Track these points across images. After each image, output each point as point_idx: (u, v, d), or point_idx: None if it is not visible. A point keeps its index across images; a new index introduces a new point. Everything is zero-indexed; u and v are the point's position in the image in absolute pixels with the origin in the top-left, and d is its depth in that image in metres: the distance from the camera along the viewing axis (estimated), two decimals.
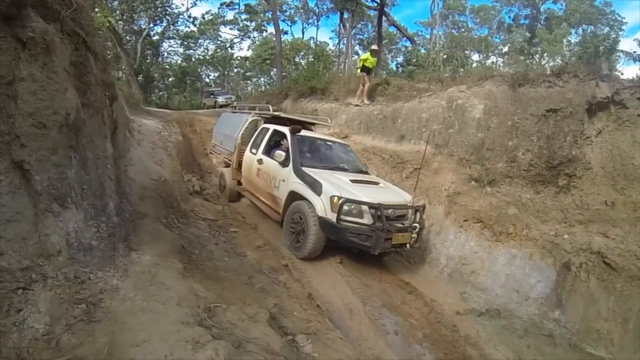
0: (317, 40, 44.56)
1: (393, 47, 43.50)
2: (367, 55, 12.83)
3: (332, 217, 6.12)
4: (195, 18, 39.02)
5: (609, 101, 7.60)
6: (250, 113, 9.86)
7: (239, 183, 9.47)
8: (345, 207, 6.11)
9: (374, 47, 13.97)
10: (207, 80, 47.47)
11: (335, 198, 6.16)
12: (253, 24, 41.82)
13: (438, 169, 8.70)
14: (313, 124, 10.48)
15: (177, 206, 5.92)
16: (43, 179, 2.70)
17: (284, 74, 30.71)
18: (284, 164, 7.34)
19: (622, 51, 24.47)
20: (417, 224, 7.01)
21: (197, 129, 15.17)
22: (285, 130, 8.11)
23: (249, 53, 45.57)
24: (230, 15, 41.55)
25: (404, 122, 10.99)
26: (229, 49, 45.19)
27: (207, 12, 40.72)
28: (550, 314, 6.27)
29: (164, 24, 34.87)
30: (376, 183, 7.67)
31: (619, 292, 6.02)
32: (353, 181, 7.01)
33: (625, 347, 5.76)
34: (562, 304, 6.35)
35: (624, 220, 6.90)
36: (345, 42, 38.70)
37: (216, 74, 48.76)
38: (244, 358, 2.72)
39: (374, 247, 6.27)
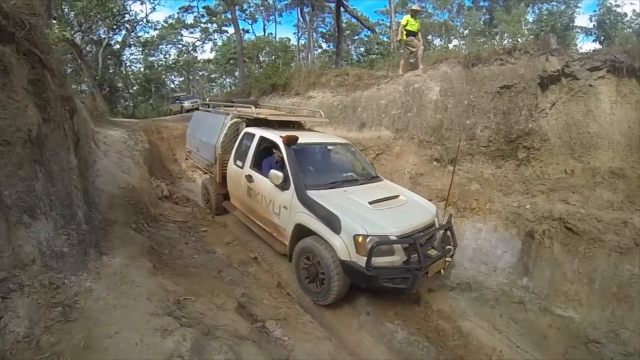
0: (276, 36, 44.45)
1: (356, 37, 43.57)
2: (407, 18, 11.54)
3: (358, 259, 4.95)
4: (157, 22, 38.83)
5: (560, 74, 7.94)
6: (228, 114, 8.33)
7: (225, 197, 8.30)
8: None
9: (415, 6, 12.65)
10: (172, 85, 47.24)
11: (360, 237, 4.94)
12: (214, 25, 41.57)
13: (400, 153, 8.82)
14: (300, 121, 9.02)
15: (147, 211, 5.94)
16: (12, 193, 2.80)
17: (248, 73, 30.55)
18: (283, 186, 6.09)
19: (579, 27, 24.82)
20: (451, 247, 5.96)
21: (164, 136, 14.97)
22: (277, 139, 6.70)
23: (212, 55, 45.27)
24: (190, 18, 41.21)
25: (363, 110, 11.16)
26: (191, 52, 44.85)
27: (169, 17, 40.49)
28: (518, 281, 6.48)
29: (124, 32, 34.33)
30: (396, 196, 6.33)
31: (582, 255, 6.31)
32: (372, 203, 5.72)
33: (593, 306, 6.04)
34: (529, 271, 6.58)
35: (583, 186, 7.27)
36: (307, 36, 38.70)
37: (181, 79, 48.46)
38: (212, 343, 2.88)
39: (411, 288, 5.20)
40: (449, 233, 6.10)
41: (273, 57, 33.27)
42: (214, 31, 42.37)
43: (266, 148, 7.07)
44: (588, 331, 5.97)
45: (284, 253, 6.18)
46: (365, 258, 4.82)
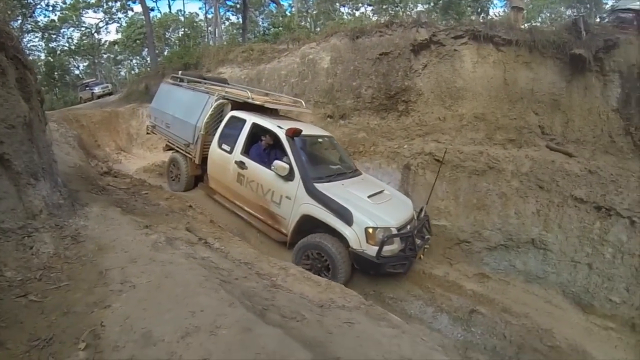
0: (184, 11, 43.21)
1: (264, 9, 42.51)
2: None
3: (368, 249, 5.53)
4: (54, 5, 35.90)
5: (429, 42, 9.53)
6: (212, 94, 8.00)
7: (197, 178, 8.49)
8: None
9: None
10: (77, 72, 44.39)
11: (371, 230, 5.54)
12: (117, 4, 38.86)
13: (299, 114, 9.93)
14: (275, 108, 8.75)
15: (96, 183, 6.64)
16: (20, 163, 3.79)
17: (157, 51, 30.07)
18: (287, 178, 6.32)
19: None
20: (429, 236, 6.90)
21: (84, 124, 15.18)
22: (277, 130, 6.79)
23: (117, 36, 42.52)
24: None
25: (267, 81, 12.51)
26: (95, 34, 42.25)
27: None
28: None
29: (20, 19, 32.01)
30: (382, 191, 6.95)
31: (448, 179, 7.96)
32: (370, 197, 6.33)
33: (460, 215, 7.75)
34: (409, 194, 8.09)
35: (452, 129, 8.91)
36: (213, 10, 37.91)
37: (85, 64, 45.75)
38: (176, 242, 4.21)
39: (406, 271, 6.16)
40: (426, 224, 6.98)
41: (180, 35, 32.80)
42: (117, 10, 39.71)
43: (254, 134, 7.19)
44: (458, 234, 7.63)
45: (281, 241, 6.63)
46: (374, 247, 5.52)
